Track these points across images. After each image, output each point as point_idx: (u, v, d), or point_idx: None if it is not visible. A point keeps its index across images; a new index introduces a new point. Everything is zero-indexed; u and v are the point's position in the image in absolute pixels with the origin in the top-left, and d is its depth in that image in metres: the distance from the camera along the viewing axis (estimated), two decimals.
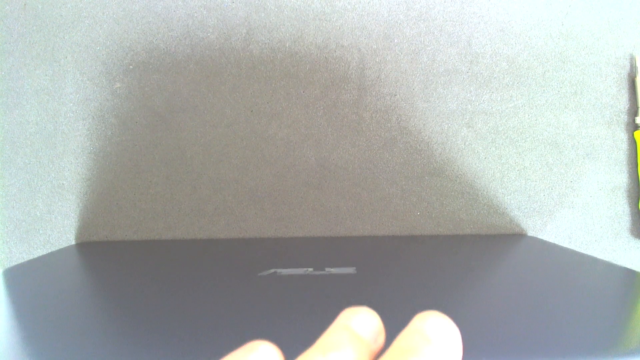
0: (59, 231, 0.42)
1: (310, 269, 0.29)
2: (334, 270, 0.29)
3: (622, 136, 0.44)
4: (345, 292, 0.25)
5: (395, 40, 0.43)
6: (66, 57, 0.42)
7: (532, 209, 0.44)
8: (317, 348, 0.14)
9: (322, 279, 0.27)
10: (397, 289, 0.26)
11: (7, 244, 0.42)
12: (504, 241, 0.41)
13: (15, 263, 0.42)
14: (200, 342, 0.21)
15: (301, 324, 0.21)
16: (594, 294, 0.25)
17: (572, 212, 0.44)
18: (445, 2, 0.43)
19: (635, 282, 0.27)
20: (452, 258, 0.36)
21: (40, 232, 0.42)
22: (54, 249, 0.42)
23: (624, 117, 0.44)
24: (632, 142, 0.44)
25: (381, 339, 0.15)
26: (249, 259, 0.33)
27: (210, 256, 0.37)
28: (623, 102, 0.44)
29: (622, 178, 0.44)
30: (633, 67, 0.44)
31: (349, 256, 0.32)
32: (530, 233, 0.44)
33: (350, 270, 0.29)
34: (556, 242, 0.44)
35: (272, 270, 0.29)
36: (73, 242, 0.43)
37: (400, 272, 0.29)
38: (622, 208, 0.44)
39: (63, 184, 0.42)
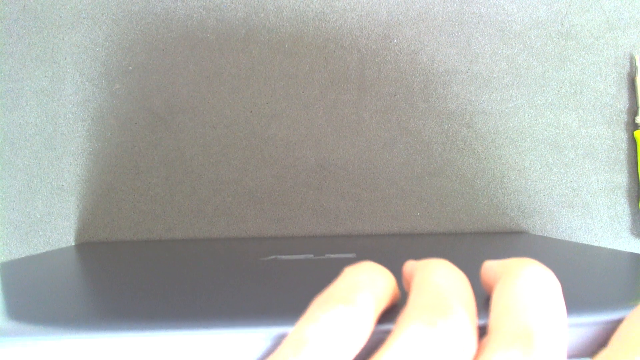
0: (59, 232, 0.42)
1: (311, 255, 0.29)
2: (334, 256, 0.29)
3: (622, 136, 0.44)
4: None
5: (395, 41, 0.43)
6: (65, 59, 0.42)
7: (532, 209, 0.44)
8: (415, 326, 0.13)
9: (322, 263, 0.27)
10: (396, 271, 0.26)
11: (6, 245, 0.42)
12: (502, 238, 0.41)
13: None
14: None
15: (303, 303, 0.21)
16: (600, 280, 0.25)
17: (572, 212, 0.44)
18: (444, 2, 0.43)
19: None
20: (451, 252, 0.37)
21: (40, 233, 0.42)
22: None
23: (624, 117, 0.44)
24: (632, 141, 0.44)
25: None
26: (249, 249, 0.33)
27: (210, 253, 0.38)
28: (623, 102, 0.44)
29: (622, 178, 0.44)
30: (633, 67, 0.44)
31: (349, 244, 0.33)
32: (530, 233, 0.44)
33: (350, 255, 0.29)
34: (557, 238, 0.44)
35: (273, 257, 0.29)
36: (72, 244, 0.43)
37: (400, 257, 0.30)
38: (622, 208, 0.44)
39: (62, 185, 0.42)
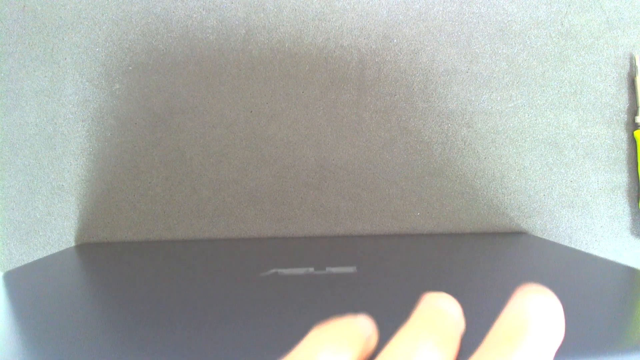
0: (59, 232, 0.42)
1: (311, 269, 0.29)
2: (334, 270, 0.29)
3: (622, 135, 0.44)
4: (346, 292, 0.26)
5: (395, 41, 0.43)
6: (65, 59, 0.42)
7: (532, 209, 0.44)
8: (413, 327, 0.14)
9: (323, 280, 0.27)
10: (396, 288, 0.26)
11: (7, 245, 0.42)
12: (502, 239, 0.41)
13: (15, 264, 0.42)
14: (202, 342, 0.21)
15: (303, 324, 0.21)
16: (593, 291, 0.25)
17: (572, 212, 0.44)
18: (444, 2, 0.43)
19: (635, 280, 0.27)
20: (451, 255, 0.37)
21: (40, 233, 0.42)
22: (54, 250, 0.42)
23: (624, 117, 0.44)
24: (632, 141, 0.44)
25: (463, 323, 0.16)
26: (249, 259, 0.33)
27: (210, 256, 0.38)
28: (623, 102, 0.44)
29: (622, 177, 0.44)
30: (633, 67, 0.44)
31: (349, 255, 0.33)
32: (530, 233, 0.44)
33: (350, 269, 0.29)
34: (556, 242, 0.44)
35: (274, 270, 0.29)
36: (73, 244, 0.43)
37: (400, 270, 0.30)
38: (622, 208, 0.44)
39: (63, 185, 0.42)
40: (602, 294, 0.25)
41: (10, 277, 0.31)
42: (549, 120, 0.44)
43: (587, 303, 0.24)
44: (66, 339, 0.21)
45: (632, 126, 0.44)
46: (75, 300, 0.27)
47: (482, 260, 0.36)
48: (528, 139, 0.44)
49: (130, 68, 0.42)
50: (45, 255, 0.42)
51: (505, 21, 0.44)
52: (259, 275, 0.27)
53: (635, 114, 0.44)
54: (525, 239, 0.42)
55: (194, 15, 0.42)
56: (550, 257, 0.35)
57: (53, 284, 0.30)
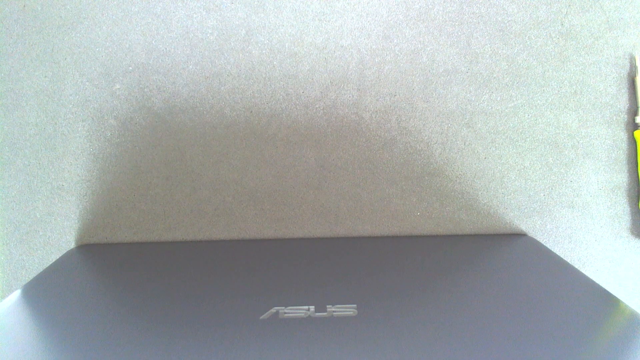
0: (59, 233, 0.42)
1: (312, 308, 0.29)
2: (335, 311, 0.29)
3: (622, 136, 0.44)
4: (347, 334, 0.26)
5: (395, 41, 0.43)
6: (65, 59, 0.42)
7: (532, 209, 0.44)
8: None
9: (323, 323, 0.27)
10: (398, 330, 0.27)
11: (7, 245, 0.42)
12: (499, 244, 0.42)
13: (15, 264, 0.42)
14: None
15: None
16: (568, 311, 0.27)
17: (572, 212, 0.44)
18: (444, 2, 0.43)
19: (609, 306, 0.28)
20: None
21: (40, 233, 0.42)
22: (53, 250, 0.42)
23: (624, 117, 0.44)
24: (632, 141, 0.44)
25: None
26: (250, 292, 0.33)
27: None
28: (623, 102, 0.44)
29: (622, 178, 0.44)
30: (633, 67, 0.44)
31: (349, 292, 0.32)
32: (530, 233, 0.44)
33: (351, 311, 0.29)
34: (556, 242, 0.44)
35: (274, 310, 0.29)
36: (73, 244, 0.43)
37: (401, 308, 0.30)
38: (622, 208, 0.44)
39: (63, 185, 0.42)
40: (575, 312, 0.26)
41: (28, 290, 0.32)
42: (549, 120, 0.44)
43: (559, 318, 0.25)
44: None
45: (632, 126, 0.44)
46: (87, 305, 0.28)
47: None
48: (528, 139, 0.44)
49: (130, 68, 0.42)
50: (45, 254, 0.42)
51: (505, 21, 0.44)
52: (258, 319, 0.27)
53: (635, 114, 0.44)
54: (523, 242, 0.42)
55: (194, 15, 0.42)
56: (541, 266, 0.36)
57: (66, 292, 0.31)
